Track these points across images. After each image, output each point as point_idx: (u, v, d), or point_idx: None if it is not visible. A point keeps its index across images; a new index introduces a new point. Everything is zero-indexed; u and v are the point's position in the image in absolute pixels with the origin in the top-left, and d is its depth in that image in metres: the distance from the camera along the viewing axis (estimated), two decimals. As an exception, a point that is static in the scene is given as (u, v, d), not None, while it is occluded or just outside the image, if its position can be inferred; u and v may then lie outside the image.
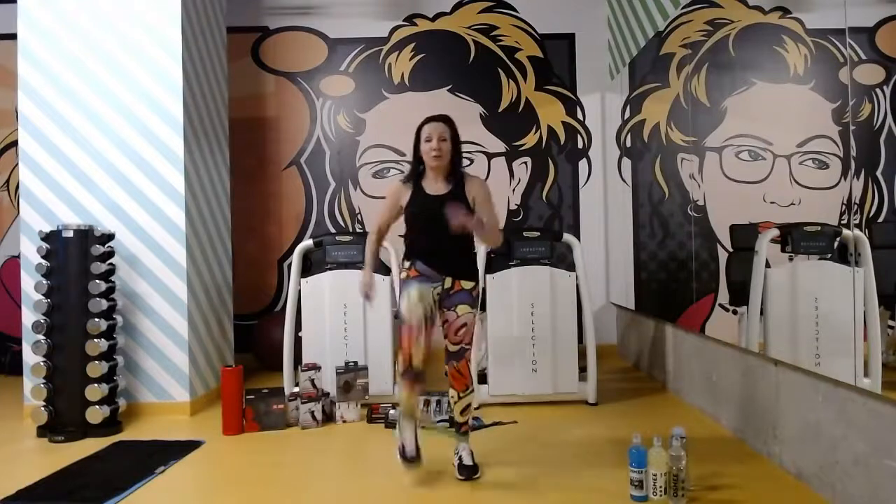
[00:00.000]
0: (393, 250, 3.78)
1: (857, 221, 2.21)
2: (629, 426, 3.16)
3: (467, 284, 2.62)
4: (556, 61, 5.31)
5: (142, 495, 2.54)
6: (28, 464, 2.96)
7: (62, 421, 3.31)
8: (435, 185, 2.63)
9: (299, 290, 3.80)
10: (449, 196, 2.56)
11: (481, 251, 3.59)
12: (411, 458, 2.56)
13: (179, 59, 3.73)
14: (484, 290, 3.60)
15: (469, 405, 2.69)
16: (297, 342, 3.82)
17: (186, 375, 3.71)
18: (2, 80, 5.19)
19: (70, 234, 3.40)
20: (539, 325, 3.66)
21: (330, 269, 3.79)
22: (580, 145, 5.31)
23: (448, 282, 2.60)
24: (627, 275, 4.81)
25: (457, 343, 2.60)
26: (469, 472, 2.59)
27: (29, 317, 3.60)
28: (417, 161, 2.67)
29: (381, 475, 2.70)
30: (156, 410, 3.69)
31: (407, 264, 2.65)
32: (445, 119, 2.64)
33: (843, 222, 2.30)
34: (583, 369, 3.72)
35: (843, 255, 2.25)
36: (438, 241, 2.58)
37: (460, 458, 2.65)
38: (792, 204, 2.67)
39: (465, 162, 2.77)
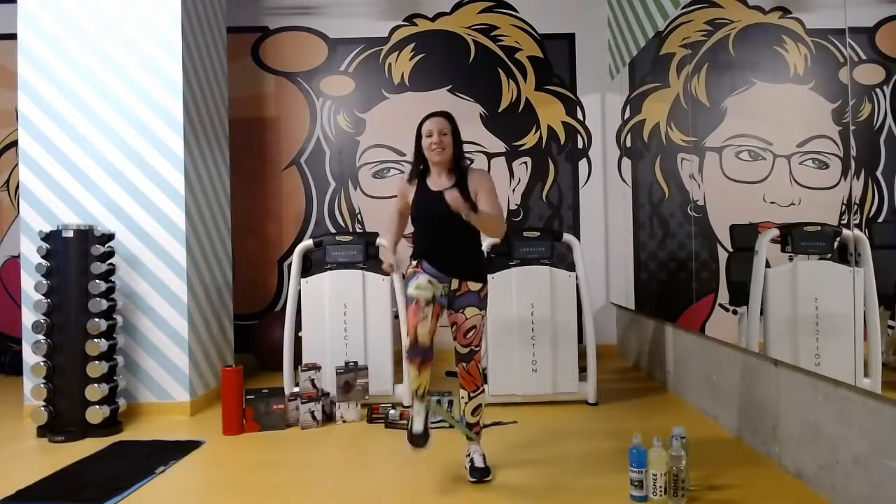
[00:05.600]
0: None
1: (857, 221, 2.21)
2: (629, 426, 3.16)
3: (475, 286, 2.59)
4: (556, 61, 5.31)
5: (142, 495, 2.54)
6: (28, 464, 2.96)
7: (62, 421, 3.31)
8: (438, 182, 2.61)
9: (299, 290, 3.80)
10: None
11: (485, 247, 3.57)
12: (417, 436, 2.44)
13: (179, 59, 3.73)
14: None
15: (480, 405, 2.68)
16: (297, 342, 3.82)
17: (186, 375, 3.71)
18: (2, 80, 5.19)
19: (70, 234, 3.40)
20: (539, 326, 3.66)
21: (330, 269, 3.79)
22: (580, 145, 5.31)
23: (455, 283, 2.57)
24: (627, 275, 4.81)
25: (466, 345, 2.59)
26: (481, 475, 2.57)
27: (29, 317, 3.60)
28: (420, 159, 2.65)
29: (382, 475, 2.70)
30: (156, 410, 3.69)
31: (414, 262, 2.63)
32: (445, 114, 2.63)
33: (843, 222, 2.30)
34: (583, 369, 3.72)
35: (843, 255, 2.25)
36: (443, 239, 2.57)
37: (472, 461, 2.62)
38: (792, 204, 2.67)
39: (466, 161, 2.75)
